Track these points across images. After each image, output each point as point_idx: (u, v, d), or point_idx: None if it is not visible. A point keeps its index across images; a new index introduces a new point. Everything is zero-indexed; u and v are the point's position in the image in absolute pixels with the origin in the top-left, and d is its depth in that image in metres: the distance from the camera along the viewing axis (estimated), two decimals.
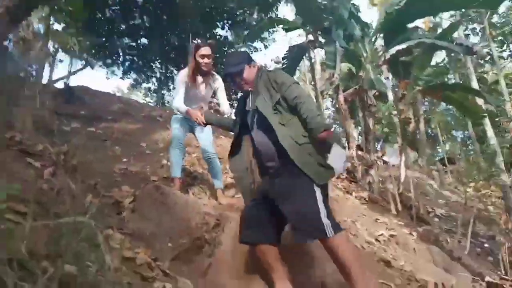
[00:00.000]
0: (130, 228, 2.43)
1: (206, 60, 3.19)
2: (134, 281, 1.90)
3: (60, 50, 5.73)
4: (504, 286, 2.67)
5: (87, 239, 1.73)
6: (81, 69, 5.48)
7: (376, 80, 6.45)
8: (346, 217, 3.79)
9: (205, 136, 3.39)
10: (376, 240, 3.56)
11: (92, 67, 5.18)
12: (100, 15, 11.70)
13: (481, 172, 11.63)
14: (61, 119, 4.86)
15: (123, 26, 12.53)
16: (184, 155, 3.38)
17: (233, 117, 2.70)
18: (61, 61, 10.02)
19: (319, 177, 2.01)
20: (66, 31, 5.28)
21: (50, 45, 5.83)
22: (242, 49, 13.84)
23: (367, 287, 1.85)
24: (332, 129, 2.04)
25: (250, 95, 2.34)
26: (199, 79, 3.32)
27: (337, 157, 2.06)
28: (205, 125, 2.76)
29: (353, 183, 6.67)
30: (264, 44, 12.79)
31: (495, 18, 13.08)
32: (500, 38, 12.43)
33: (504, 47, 13.31)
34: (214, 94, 3.51)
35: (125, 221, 2.48)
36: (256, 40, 12.33)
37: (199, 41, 3.63)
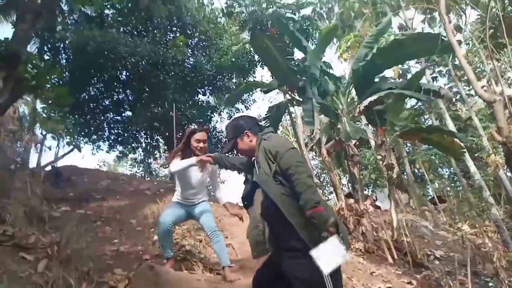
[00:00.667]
0: None
1: (201, 144, 3.24)
2: None
3: (47, 136, 6.00)
4: None
5: None
6: (68, 152, 5.67)
7: (353, 132, 6.79)
8: (343, 274, 3.84)
9: (206, 214, 3.40)
10: None
11: (80, 151, 5.37)
12: (84, 94, 12.22)
13: (472, 207, 11.86)
14: (51, 204, 4.93)
15: (107, 102, 13.03)
16: (172, 233, 3.37)
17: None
18: (50, 148, 10.31)
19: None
20: (53, 118, 5.54)
21: (38, 132, 6.10)
22: (225, 112, 14.47)
23: None
24: (321, 207, 1.91)
25: (255, 165, 2.24)
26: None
27: (324, 255, 1.84)
28: (216, 163, 2.82)
29: (349, 233, 6.73)
30: (245, 105, 13.40)
31: (457, 60, 14.07)
32: (465, 77, 13.32)
33: (471, 86, 14.22)
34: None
35: None
36: (237, 103, 12.92)
37: (194, 126, 4.03)
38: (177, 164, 3.16)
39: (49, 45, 10.49)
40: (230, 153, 2.70)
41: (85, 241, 3.52)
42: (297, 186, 1.95)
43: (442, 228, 11.42)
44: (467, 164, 10.07)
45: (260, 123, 2.55)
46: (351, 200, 7.25)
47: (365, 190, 18.16)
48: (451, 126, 10.57)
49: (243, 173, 2.54)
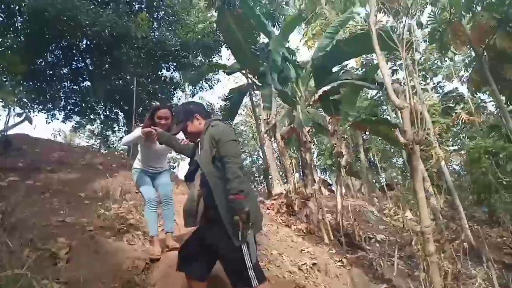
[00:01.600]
0: (65, 276, 2.77)
1: (163, 121, 3.33)
2: None
3: None
4: None
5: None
6: (19, 123, 5.65)
7: (305, 120, 7.24)
8: (274, 250, 4.32)
9: (165, 182, 3.68)
10: (299, 269, 4.11)
11: (31, 123, 5.34)
12: (40, 60, 11.86)
13: (415, 196, 12.88)
14: None
15: (64, 70, 12.73)
16: (157, 210, 3.54)
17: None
18: None
19: (239, 236, 2.23)
20: (4, 88, 5.48)
21: None
22: (188, 89, 14.54)
23: None
24: (242, 195, 2.24)
25: (198, 146, 2.62)
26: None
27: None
28: (159, 141, 2.99)
29: (291, 216, 7.27)
30: (209, 84, 13.57)
31: (417, 55, 14.82)
32: (422, 73, 14.15)
33: (428, 81, 15.13)
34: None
35: (61, 270, 2.82)
36: (200, 82, 13.04)
37: (157, 103, 4.02)
38: (126, 137, 3.46)
39: (2, 6, 10.05)
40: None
41: (31, 211, 3.74)
42: (228, 174, 2.31)
43: (387, 214, 12.39)
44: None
45: (207, 109, 2.88)
46: (299, 184, 7.77)
47: (323, 175, 19.01)
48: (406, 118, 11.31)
49: (186, 155, 2.82)
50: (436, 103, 14.96)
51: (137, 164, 3.69)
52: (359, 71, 12.67)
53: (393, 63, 14.90)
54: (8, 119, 5.87)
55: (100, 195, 4.96)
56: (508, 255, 11.21)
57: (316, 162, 17.93)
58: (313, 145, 19.32)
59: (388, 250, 7.99)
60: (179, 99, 14.80)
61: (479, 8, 7.94)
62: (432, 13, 9.14)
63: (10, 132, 7.29)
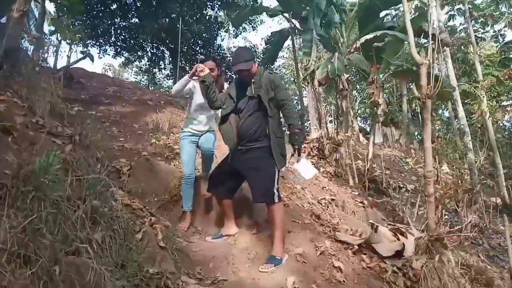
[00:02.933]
0: (128, 187, 3.64)
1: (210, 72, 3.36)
2: (132, 217, 3.14)
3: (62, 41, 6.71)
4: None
5: (104, 189, 2.97)
6: (81, 59, 6.43)
7: (340, 68, 7.49)
8: (298, 185, 5.02)
9: (209, 137, 3.69)
10: (318, 202, 4.80)
11: (92, 60, 6.06)
12: None
13: (456, 150, 12.92)
14: (66, 103, 6.00)
15: (114, 6, 13.41)
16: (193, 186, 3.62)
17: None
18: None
19: (280, 164, 2.98)
20: (72, 28, 6.21)
21: (54, 37, 6.84)
22: (232, 29, 14.81)
23: (278, 242, 2.89)
24: (301, 130, 3.05)
25: (252, 85, 3.06)
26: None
27: (304, 167, 3.06)
28: (203, 81, 3.14)
29: (322, 159, 7.89)
30: (252, 26, 13.75)
31: (478, 0, 13.93)
32: (481, 19, 13.35)
33: (488, 28, 14.26)
34: None
35: (124, 182, 3.69)
36: (245, 22, 13.26)
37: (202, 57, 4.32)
38: (176, 85, 3.51)
39: None
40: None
41: (96, 136, 4.64)
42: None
43: (421, 166, 12.64)
44: (457, 108, 10.86)
45: None
46: (332, 130, 8.27)
47: (363, 123, 19.13)
48: (450, 69, 11.09)
49: (216, 105, 3.24)
50: (493, 54, 14.24)
51: (185, 125, 3.73)
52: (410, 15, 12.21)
53: (450, 7, 14.10)
54: (71, 54, 6.71)
55: (151, 127, 5.82)
56: None
57: (357, 111, 18.01)
58: (356, 92, 19.26)
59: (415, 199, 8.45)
60: (223, 39, 15.14)
61: None
62: None
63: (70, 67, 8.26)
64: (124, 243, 2.68)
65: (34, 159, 2.44)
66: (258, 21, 13.73)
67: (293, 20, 9.62)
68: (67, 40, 6.25)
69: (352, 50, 8.72)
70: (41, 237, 2.16)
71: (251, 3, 12.02)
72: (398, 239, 3.24)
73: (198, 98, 3.63)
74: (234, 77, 3.46)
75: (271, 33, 9.80)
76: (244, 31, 14.09)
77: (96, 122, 5.57)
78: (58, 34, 5.98)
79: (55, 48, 6.15)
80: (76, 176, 3.13)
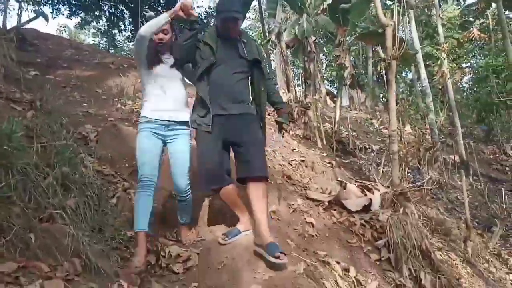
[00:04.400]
0: (97, 154, 3.57)
1: (160, 35, 2.68)
2: (104, 183, 3.11)
3: None
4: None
5: (73, 155, 2.91)
6: (33, 19, 5.93)
7: (308, 30, 7.47)
8: (268, 148, 5.11)
9: (181, 160, 2.65)
10: (289, 163, 4.94)
11: (47, 21, 5.59)
12: None
13: (418, 111, 13.49)
14: (20, 68, 5.66)
15: None
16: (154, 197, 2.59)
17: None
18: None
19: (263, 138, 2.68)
20: None
21: None
22: None
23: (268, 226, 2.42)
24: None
25: (242, 45, 2.65)
26: (163, 55, 2.75)
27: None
28: (191, 24, 2.51)
29: (291, 122, 8.01)
30: None
31: None
32: None
33: None
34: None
35: (92, 149, 3.62)
36: None
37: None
38: (145, 26, 2.53)
39: None
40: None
41: (58, 102, 4.45)
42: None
43: (386, 127, 13.15)
44: (420, 70, 11.23)
45: None
46: (300, 93, 8.35)
47: (331, 86, 19.42)
48: (414, 32, 11.33)
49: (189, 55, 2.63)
50: (455, 16, 14.64)
51: (143, 111, 2.66)
52: None
53: None
54: (21, 13, 6.24)
55: (115, 92, 5.64)
56: (496, 170, 12.24)
57: (325, 74, 18.19)
58: (323, 55, 19.36)
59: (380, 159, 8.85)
60: None
61: None
62: None
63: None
64: (99, 208, 2.68)
65: None
66: None
67: None
68: None
69: (319, 12, 8.67)
70: (12, 205, 2.13)
71: None
72: (365, 195, 3.44)
73: (168, 60, 2.72)
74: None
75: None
76: None
77: (56, 87, 5.33)
78: None
79: (2, 6, 5.68)
80: (41, 143, 3.04)
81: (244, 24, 20.07)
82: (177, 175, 2.63)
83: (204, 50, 2.59)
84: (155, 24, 2.50)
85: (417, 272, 2.83)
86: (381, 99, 15.54)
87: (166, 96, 2.64)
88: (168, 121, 2.62)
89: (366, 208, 3.25)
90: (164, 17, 2.50)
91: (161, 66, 2.67)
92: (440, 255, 4.67)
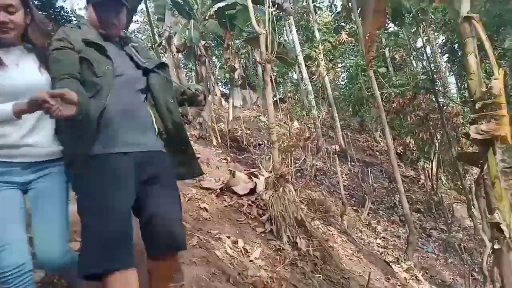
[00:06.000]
0: None
1: (2, 14, 1.56)
2: None
3: None
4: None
5: None
6: None
7: (196, 36, 7.90)
8: None
9: (52, 217, 1.60)
10: None
11: None
12: None
13: (303, 108, 14.95)
14: None
15: None
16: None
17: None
18: None
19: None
20: None
21: None
22: None
23: None
24: None
25: (132, 49, 1.82)
26: (7, 53, 1.63)
27: None
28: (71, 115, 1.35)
29: (186, 124, 8.34)
30: None
31: None
32: None
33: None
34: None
35: None
36: None
37: None
38: None
39: None
40: None
41: None
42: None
43: (277, 124, 14.31)
44: (302, 71, 12.52)
45: None
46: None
47: (224, 88, 20.13)
48: (295, 36, 12.60)
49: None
50: (329, 21, 16.49)
51: None
52: None
53: None
54: None
55: None
56: (369, 155, 14.23)
57: (218, 76, 18.82)
58: (215, 58, 19.99)
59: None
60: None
61: None
62: None
63: None
64: None
65: None
66: None
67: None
68: None
69: (207, 17, 9.15)
70: None
71: None
72: (252, 180, 3.98)
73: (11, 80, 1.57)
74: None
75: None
76: None
77: None
78: None
79: None
80: None
81: (132, 27, 19.64)
82: (47, 238, 1.56)
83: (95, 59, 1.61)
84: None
85: (294, 238, 3.45)
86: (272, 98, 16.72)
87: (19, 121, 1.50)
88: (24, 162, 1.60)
89: (252, 191, 3.79)
90: (5, 110, 1.46)
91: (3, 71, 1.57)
92: (320, 228, 5.53)
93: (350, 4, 8.77)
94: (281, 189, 3.83)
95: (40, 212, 1.59)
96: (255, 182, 3.86)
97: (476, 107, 2.81)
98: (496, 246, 2.92)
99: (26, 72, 1.64)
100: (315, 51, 12.99)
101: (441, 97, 11.33)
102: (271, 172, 4.16)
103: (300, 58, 12.52)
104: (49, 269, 1.57)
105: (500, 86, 2.71)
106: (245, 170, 4.71)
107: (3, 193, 1.53)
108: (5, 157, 1.55)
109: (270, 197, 3.60)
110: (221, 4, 8.71)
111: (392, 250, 6.90)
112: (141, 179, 1.61)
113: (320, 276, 3.24)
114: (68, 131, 1.62)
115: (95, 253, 1.41)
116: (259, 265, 2.86)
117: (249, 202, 3.64)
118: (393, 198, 10.07)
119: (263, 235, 3.40)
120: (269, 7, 4.67)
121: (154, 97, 1.79)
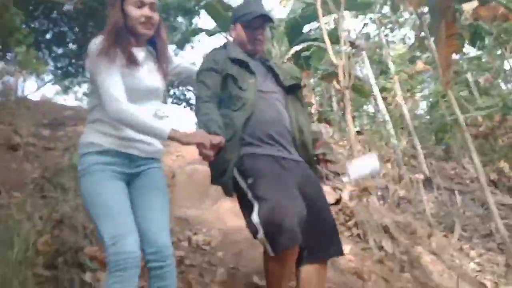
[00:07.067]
0: None
1: (147, 11, 1.67)
2: None
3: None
4: None
5: None
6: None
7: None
8: None
9: (160, 211, 1.67)
10: None
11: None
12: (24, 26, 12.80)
13: (382, 139, 14.96)
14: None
15: (49, 35, 13.71)
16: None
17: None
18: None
19: None
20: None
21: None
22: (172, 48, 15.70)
23: None
24: None
25: (274, 67, 2.05)
26: (139, 52, 1.73)
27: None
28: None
29: None
30: (191, 46, 14.81)
31: (385, 9, 16.19)
32: (390, 25, 15.70)
33: (394, 33, 16.76)
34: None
35: None
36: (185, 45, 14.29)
37: None
38: (119, 103, 1.55)
39: None
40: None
41: None
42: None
43: (356, 156, 14.46)
44: (377, 102, 12.80)
45: None
46: None
47: None
48: (368, 69, 13.04)
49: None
50: (403, 53, 16.65)
51: (93, 135, 1.66)
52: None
53: (364, 16, 16.27)
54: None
55: None
56: (458, 184, 13.59)
57: None
58: None
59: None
60: None
61: None
62: None
63: None
64: None
65: None
66: (196, 40, 14.83)
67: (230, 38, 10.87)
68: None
69: (285, 61, 10.15)
70: None
71: (189, 25, 13.08)
72: (336, 192, 4.48)
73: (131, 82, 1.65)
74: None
75: (213, 49, 10.94)
76: (181, 49, 15.06)
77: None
78: None
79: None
80: None
81: None
82: (158, 228, 1.60)
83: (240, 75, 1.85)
84: (142, 127, 1.56)
85: (380, 242, 3.83)
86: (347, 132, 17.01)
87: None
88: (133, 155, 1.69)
89: (338, 201, 4.28)
90: (162, 131, 1.55)
91: (134, 69, 1.67)
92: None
93: (423, 33, 9.15)
94: (365, 199, 4.27)
95: (150, 201, 1.67)
96: (340, 194, 4.35)
97: None
98: None
99: (152, 75, 1.75)
100: (390, 82, 13.23)
101: None
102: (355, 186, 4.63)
103: (376, 90, 12.83)
104: (161, 253, 1.53)
105: None
106: (328, 185, 5.22)
107: (115, 182, 1.60)
108: (118, 147, 1.64)
109: (355, 204, 4.06)
110: (297, 48, 9.66)
111: (490, 275, 6.62)
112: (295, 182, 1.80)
113: (408, 275, 3.56)
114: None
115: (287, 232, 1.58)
116: (349, 259, 3.31)
117: (336, 209, 4.12)
118: (488, 225, 9.54)
119: (350, 238, 3.84)
120: (344, 44, 5.35)
121: (288, 115, 1.98)
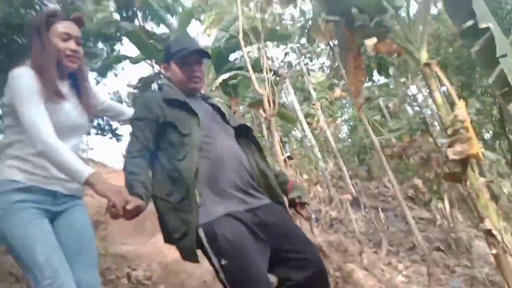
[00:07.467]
0: None
1: (73, 45, 1.65)
2: None
3: None
4: None
5: None
6: None
7: None
8: None
9: (85, 253, 1.65)
10: None
11: None
12: None
13: (311, 162, 15.62)
14: None
15: None
16: None
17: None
18: None
19: None
20: None
21: None
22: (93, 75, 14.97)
23: None
24: None
25: (218, 106, 1.92)
26: (63, 86, 1.69)
27: None
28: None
29: None
30: (114, 73, 14.25)
31: (303, 40, 17.16)
32: (309, 55, 16.72)
33: (314, 62, 17.91)
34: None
35: None
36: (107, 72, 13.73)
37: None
38: (47, 137, 1.46)
39: None
40: None
41: None
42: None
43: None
44: (303, 128, 13.40)
45: None
46: None
47: None
48: (293, 97, 13.67)
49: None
50: (322, 81, 17.77)
51: (12, 171, 1.54)
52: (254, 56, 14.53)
53: (285, 46, 17.10)
54: None
55: None
56: (382, 201, 14.55)
57: None
58: None
59: None
60: None
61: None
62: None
63: None
64: None
65: None
66: (119, 67, 14.31)
67: (156, 66, 10.72)
68: None
69: (213, 89, 10.22)
70: None
71: (111, 52, 12.61)
72: None
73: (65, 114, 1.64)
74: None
75: (138, 79, 10.69)
76: (104, 77, 14.43)
77: None
78: None
79: None
80: None
81: None
82: (86, 266, 1.61)
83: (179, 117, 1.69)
84: (63, 165, 1.46)
85: None
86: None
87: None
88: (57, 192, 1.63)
89: None
90: (81, 175, 1.45)
91: (60, 104, 1.61)
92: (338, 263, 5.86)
93: (336, 64, 9.86)
94: (298, 220, 4.34)
95: (76, 241, 1.64)
96: None
97: (449, 133, 3.44)
98: (493, 251, 3.35)
99: (76, 111, 1.70)
100: (313, 108, 13.98)
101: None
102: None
103: (301, 116, 13.45)
104: None
105: (464, 113, 3.36)
106: None
107: (41, 220, 1.53)
108: (42, 183, 1.56)
109: None
110: (224, 76, 9.81)
111: (416, 285, 7.07)
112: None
113: None
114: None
115: None
116: None
117: None
118: (411, 239, 10.28)
119: None
120: (267, 73, 5.54)
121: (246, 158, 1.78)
